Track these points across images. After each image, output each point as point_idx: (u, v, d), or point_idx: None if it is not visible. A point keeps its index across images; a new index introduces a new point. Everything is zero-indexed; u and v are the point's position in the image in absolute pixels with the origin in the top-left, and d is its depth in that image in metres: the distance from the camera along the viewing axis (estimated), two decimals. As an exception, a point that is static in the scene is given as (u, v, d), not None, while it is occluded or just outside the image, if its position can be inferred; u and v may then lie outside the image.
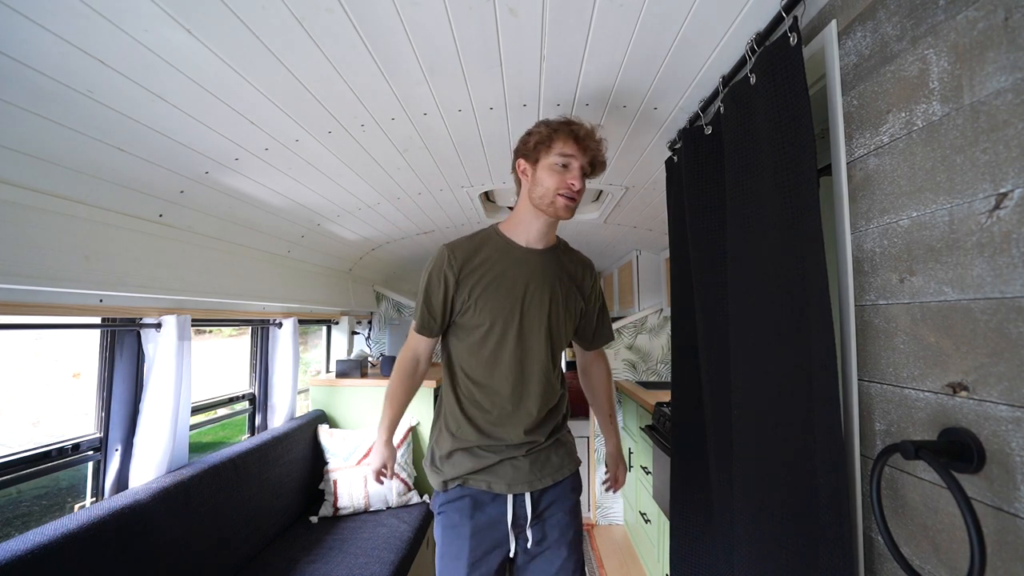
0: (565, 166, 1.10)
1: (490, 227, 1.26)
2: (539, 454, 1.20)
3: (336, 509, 2.22)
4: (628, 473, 2.74)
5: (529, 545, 1.18)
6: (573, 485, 1.26)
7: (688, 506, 1.32)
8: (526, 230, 1.19)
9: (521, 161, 1.17)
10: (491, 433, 1.18)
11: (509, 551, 1.17)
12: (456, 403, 1.22)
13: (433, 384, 2.40)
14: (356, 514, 2.23)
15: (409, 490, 2.34)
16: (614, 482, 1.44)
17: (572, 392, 3.55)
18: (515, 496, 1.17)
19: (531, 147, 1.13)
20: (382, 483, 1.35)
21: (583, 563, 1.24)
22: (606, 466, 1.46)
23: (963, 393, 0.60)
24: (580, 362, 1.48)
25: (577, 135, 1.10)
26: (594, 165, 1.14)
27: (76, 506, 1.40)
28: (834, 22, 0.81)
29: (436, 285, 1.19)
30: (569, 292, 1.25)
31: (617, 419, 1.44)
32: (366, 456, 2.30)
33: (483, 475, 1.17)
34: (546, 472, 1.20)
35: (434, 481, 1.23)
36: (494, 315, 1.16)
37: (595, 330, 1.37)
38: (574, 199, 1.12)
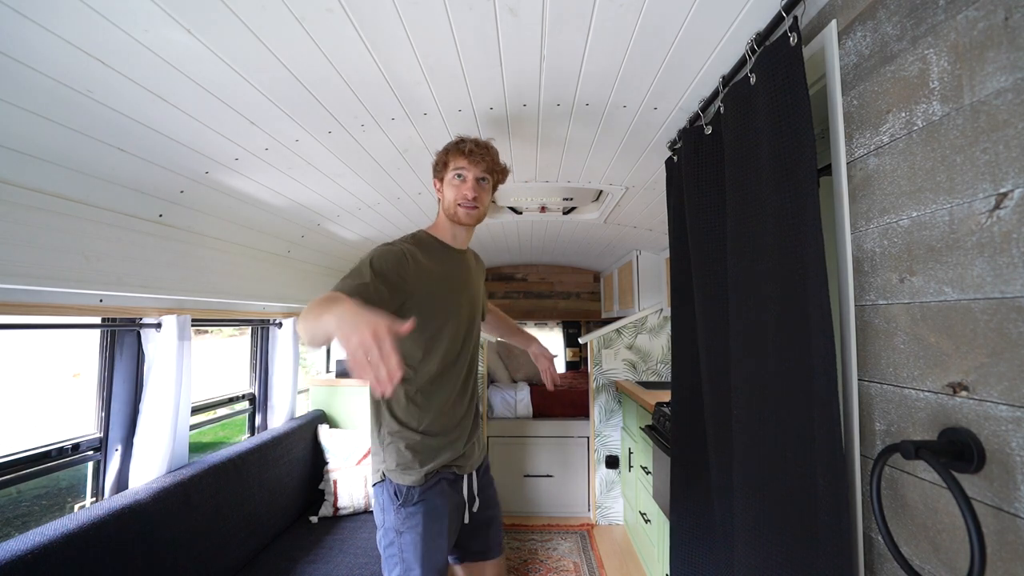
0: (461, 178, 1.26)
1: (419, 231, 1.34)
2: (477, 436, 1.39)
3: (336, 509, 2.22)
4: (629, 472, 2.75)
5: (475, 509, 1.36)
6: (487, 461, 1.50)
7: (688, 506, 1.32)
8: (451, 235, 1.34)
9: (435, 181, 1.35)
10: (453, 420, 1.29)
11: (466, 519, 1.33)
12: (416, 400, 1.24)
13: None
14: (356, 514, 2.23)
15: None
16: (551, 376, 1.63)
17: (573, 392, 3.57)
18: (468, 473, 1.34)
19: (436, 168, 1.32)
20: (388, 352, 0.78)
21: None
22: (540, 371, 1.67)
23: (963, 393, 0.60)
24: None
25: (464, 151, 1.25)
26: (492, 172, 1.30)
27: (76, 506, 1.40)
28: (834, 22, 0.81)
29: (394, 265, 1.14)
30: (481, 281, 1.49)
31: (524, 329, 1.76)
32: (368, 455, 2.30)
33: (459, 459, 1.30)
34: (482, 450, 1.43)
35: (410, 479, 1.21)
36: (447, 311, 1.27)
37: (484, 305, 1.59)
38: (474, 207, 1.27)
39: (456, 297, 1.30)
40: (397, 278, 1.14)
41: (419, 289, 1.19)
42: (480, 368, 1.84)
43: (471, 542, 1.38)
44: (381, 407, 1.26)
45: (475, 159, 1.25)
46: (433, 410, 1.26)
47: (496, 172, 1.31)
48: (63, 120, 1.02)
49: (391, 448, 1.24)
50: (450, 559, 1.41)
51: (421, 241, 1.29)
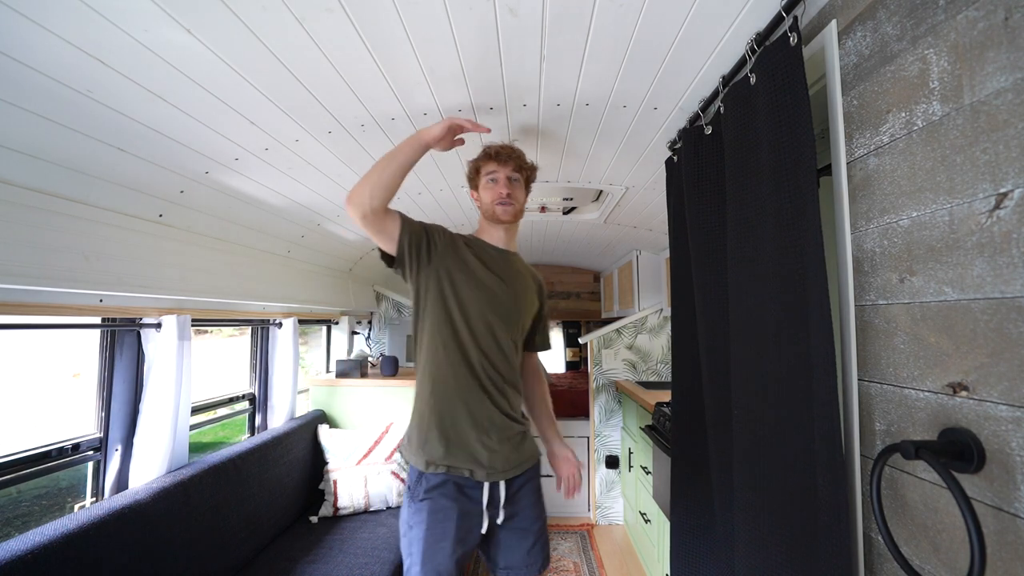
0: (494, 180, 1.34)
1: (467, 234, 1.40)
2: (514, 444, 1.31)
3: (336, 509, 2.21)
4: (629, 472, 2.75)
5: (500, 520, 1.29)
6: (538, 470, 1.39)
7: (688, 506, 1.32)
8: (490, 237, 1.39)
9: (472, 192, 1.43)
10: (460, 420, 1.25)
11: (483, 528, 1.27)
12: (439, 389, 1.25)
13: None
14: (356, 514, 2.23)
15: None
16: (569, 488, 1.46)
17: (573, 392, 3.56)
18: (491, 482, 1.27)
19: (470, 179, 1.41)
20: (465, 127, 1.23)
21: (547, 533, 1.38)
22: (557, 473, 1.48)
23: (963, 393, 0.60)
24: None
25: (490, 154, 1.35)
26: (521, 169, 1.36)
27: (76, 506, 1.40)
28: (834, 22, 0.81)
29: (437, 228, 1.30)
30: (531, 291, 1.41)
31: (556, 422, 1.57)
32: (368, 455, 2.30)
33: (469, 463, 1.24)
34: (520, 460, 1.31)
35: (413, 460, 1.26)
36: (475, 302, 1.27)
37: (540, 334, 1.52)
38: (510, 203, 1.33)
39: (489, 294, 1.28)
40: (435, 235, 1.28)
41: (447, 263, 1.26)
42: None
43: (498, 556, 1.31)
44: (417, 375, 1.31)
45: (503, 159, 1.34)
46: (440, 405, 1.24)
47: (525, 169, 1.38)
48: (63, 120, 1.02)
49: (414, 425, 1.30)
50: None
51: (468, 237, 1.37)
